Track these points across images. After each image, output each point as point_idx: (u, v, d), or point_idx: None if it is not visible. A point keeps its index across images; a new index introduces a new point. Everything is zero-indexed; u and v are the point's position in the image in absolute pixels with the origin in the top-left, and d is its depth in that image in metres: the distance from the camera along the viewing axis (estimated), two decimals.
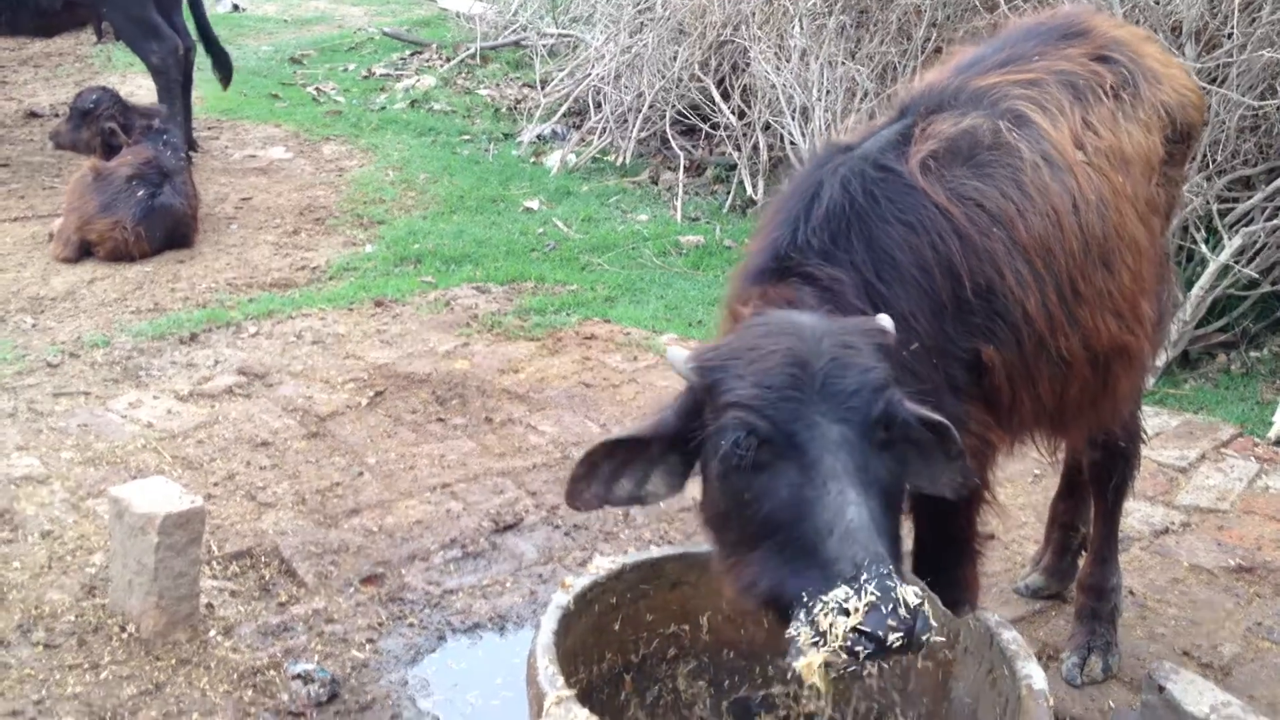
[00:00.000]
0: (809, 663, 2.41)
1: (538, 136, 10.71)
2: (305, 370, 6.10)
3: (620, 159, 10.05)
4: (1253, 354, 6.24)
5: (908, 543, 4.09)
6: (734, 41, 9.59)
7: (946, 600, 3.18)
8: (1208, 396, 5.93)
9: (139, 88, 11.26)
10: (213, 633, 4.02)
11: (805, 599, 2.42)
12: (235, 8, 17.23)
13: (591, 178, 9.85)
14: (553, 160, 10.13)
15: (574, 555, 4.61)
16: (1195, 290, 6.07)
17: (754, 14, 9.17)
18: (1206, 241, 6.27)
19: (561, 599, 3.10)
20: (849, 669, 2.47)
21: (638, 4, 10.54)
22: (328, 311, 6.89)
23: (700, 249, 8.24)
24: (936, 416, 2.73)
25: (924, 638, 2.38)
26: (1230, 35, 6.35)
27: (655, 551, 3.40)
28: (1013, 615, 4.27)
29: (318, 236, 8.31)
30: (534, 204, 9.10)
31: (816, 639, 2.38)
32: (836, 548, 2.42)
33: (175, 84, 9.37)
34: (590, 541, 4.72)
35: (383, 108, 11.86)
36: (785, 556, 2.51)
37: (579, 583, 3.19)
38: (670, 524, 4.85)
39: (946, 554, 3.31)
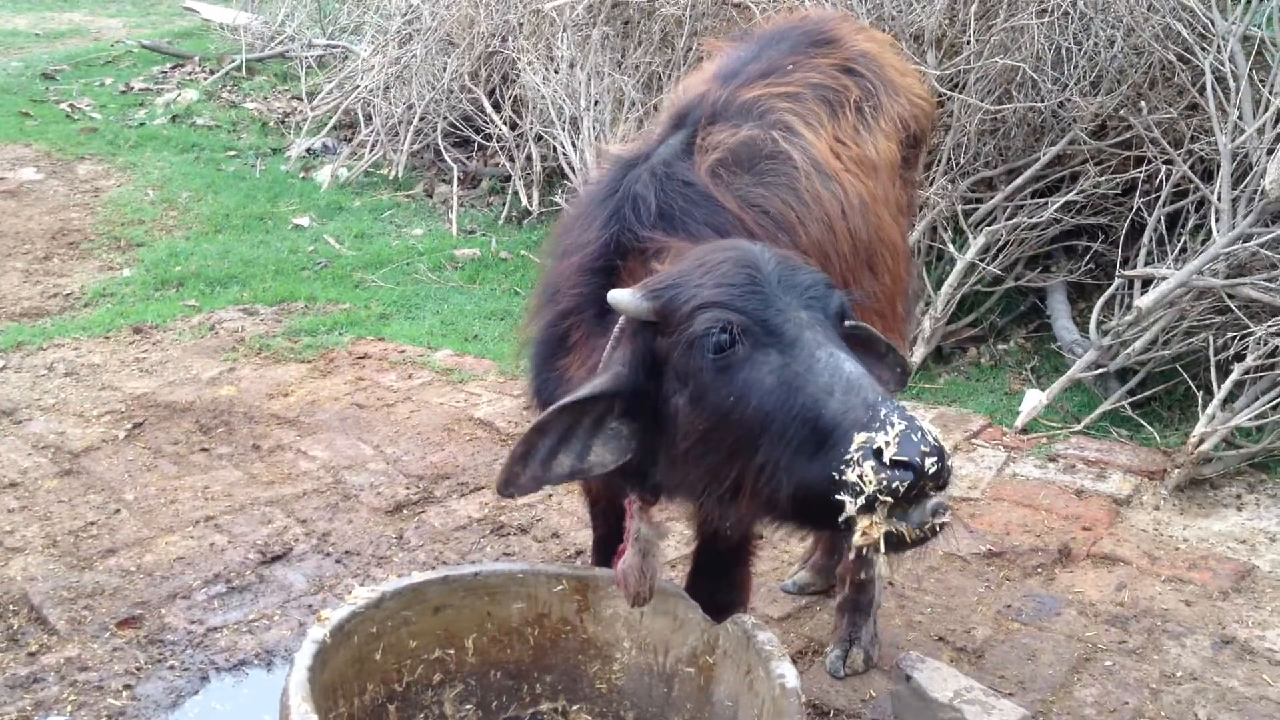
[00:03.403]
0: (866, 533, 2.29)
1: (307, 151, 10.47)
2: (57, 404, 5.80)
3: (393, 173, 9.89)
4: (1000, 347, 6.58)
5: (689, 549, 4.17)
6: (502, 52, 9.57)
7: (724, 601, 3.26)
8: (960, 389, 6.22)
9: None
10: None
11: (834, 466, 2.30)
12: None
13: (364, 192, 9.68)
14: (323, 175, 9.92)
15: (346, 583, 4.51)
16: (945, 288, 6.36)
17: (521, 25, 9.17)
18: (953, 241, 6.58)
19: (317, 633, 3.03)
20: (907, 526, 2.32)
21: (405, 15, 10.41)
22: (82, 341, 6.57)
23: (476, 262, 8.19)
24: (864, 325, 2.86)
25: (951, 468, 2.31)
26: (969, 42, 6.67)
27: (416, 577, 3.35)
28: (780, 613, 4.40)
29: (71, 261, 7.92)
30: (304, 221, 8.88)
31: (861, 499, 2.27)
32: (843, 401, 2.36)
33: None
34: (363, 567, 4.63)
35: (142, 124, 11.39)
36: (790, 443, 2.42)
37: (336, 615, 3.12)
38: (445, 544, 4.80)
39: (722, 556, 3.38)
